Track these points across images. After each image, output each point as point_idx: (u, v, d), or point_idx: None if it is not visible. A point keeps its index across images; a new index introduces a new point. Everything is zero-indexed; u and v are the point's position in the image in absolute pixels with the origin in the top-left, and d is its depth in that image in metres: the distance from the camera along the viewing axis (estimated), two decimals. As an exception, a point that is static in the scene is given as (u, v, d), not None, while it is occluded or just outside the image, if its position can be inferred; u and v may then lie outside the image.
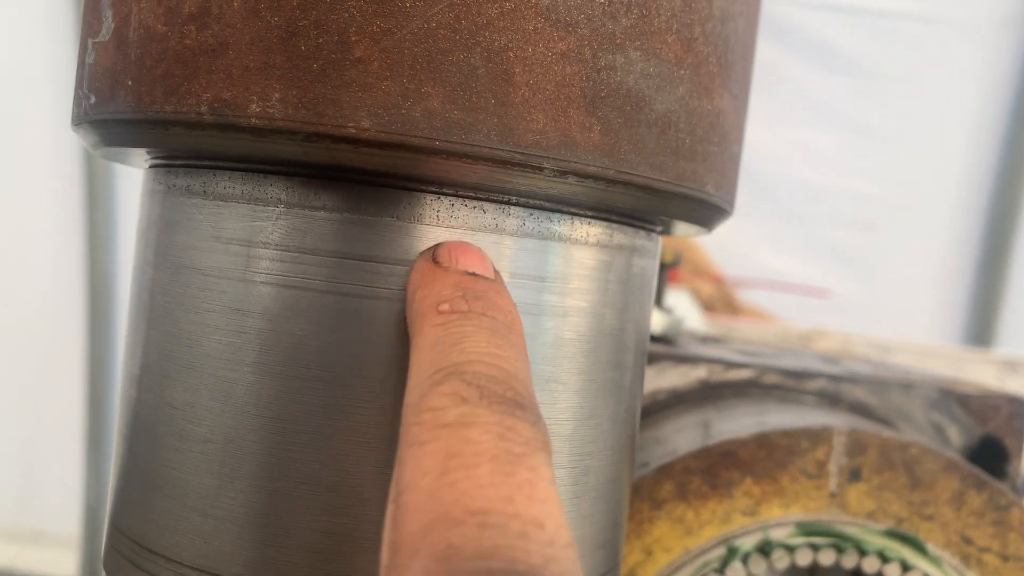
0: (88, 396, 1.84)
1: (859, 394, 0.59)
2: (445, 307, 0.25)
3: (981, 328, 1.83)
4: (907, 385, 0.60)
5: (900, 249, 1.82)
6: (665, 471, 0.48)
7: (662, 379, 0.58)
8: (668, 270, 0.74)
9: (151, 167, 0.33)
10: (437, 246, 0.28)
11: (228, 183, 0.29)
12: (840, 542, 0.49)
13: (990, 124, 1.79)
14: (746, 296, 1.54)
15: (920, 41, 1.75)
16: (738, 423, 0.51)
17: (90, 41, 0.30)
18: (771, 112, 1.68)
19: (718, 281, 1.37)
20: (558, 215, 0.30)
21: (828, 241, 1.80)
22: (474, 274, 0.27)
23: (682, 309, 0.84)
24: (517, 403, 0.22)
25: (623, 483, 0.35)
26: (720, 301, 1.50)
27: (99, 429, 1.84)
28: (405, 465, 0.22)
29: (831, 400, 0.59)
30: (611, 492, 0.34)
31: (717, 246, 1.52)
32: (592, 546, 0.33)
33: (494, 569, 0.18)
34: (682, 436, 0.52)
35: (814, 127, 1.78)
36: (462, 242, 0.28)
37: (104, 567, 0.34)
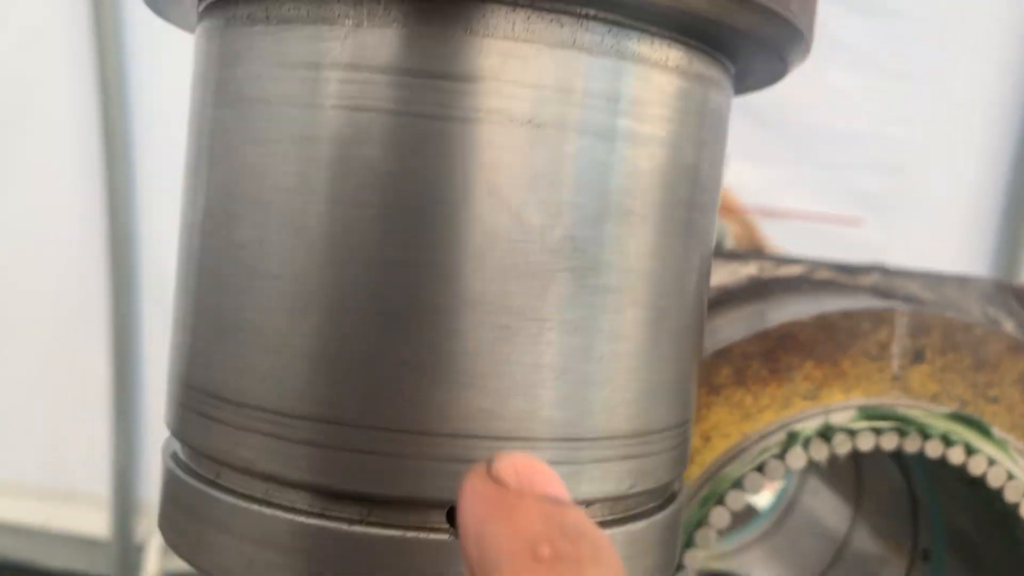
0: (114, 358, 1.85)
1: (913, 288, 0.57)
2: (546, 551, 0.19)
3: (1008, 273, 1.80)
4: (962, 279, 0.58)
5: (927, 193, 1.79)
6: (723, 355, 0.47)
7: (711, 277, 0.57)
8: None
9: (205, 8, 0.31)
10: (491, 459, 0.22)
11: (292, 4, 0.28)
12: (903, 426, 0.47)
13: (1021, 68, 1.75)
14: (772, 238, 1.52)
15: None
16: (795, 309, 0.50)
17: None
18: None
19: (742, 212, 1.35)
20: (637, 33, 0.28)
21: (854, 185, 1.77)
22: (558, 500, 0.21)
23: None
24: None
25: (697, 336, 0.34)
26: (746, 241, 1.48)
27: (126, 391, 1.85)
28: None
29: (885, 295, 0.57)
30: (687, 340, 0.33)
31: (743, 192, 1.49)
32: (669, 392, 0.32)
33: None
34: (736, 327, 0.51)
35: (842, 69, 1.73)
36: (523, 455, 0.22)
37: (169, 428, 0.33)
